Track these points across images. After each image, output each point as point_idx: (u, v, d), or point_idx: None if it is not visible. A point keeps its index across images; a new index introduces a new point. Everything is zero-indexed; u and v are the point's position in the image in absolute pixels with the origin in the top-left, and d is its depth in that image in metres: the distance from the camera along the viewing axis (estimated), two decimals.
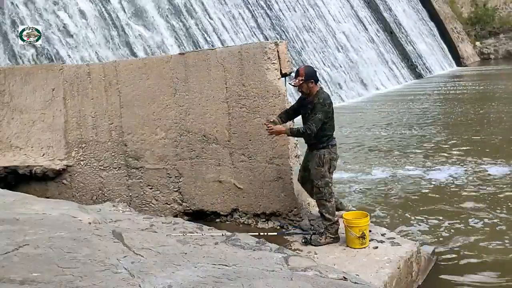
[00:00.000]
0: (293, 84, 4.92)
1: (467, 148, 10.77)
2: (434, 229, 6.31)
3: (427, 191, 7.92)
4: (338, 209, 5.25)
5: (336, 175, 9.01)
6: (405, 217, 6.81)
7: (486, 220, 6.49)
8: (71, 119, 6.56)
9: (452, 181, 8.29)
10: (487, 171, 8.73)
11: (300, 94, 5.09)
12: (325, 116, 4.82)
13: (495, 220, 6.48)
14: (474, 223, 6.43)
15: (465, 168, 8.99)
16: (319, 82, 5.02)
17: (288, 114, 5.16)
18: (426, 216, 6.78)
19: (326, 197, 4.92)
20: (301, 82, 4.84)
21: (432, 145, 11.36)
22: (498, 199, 7.31)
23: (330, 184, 4.98)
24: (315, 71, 5.00)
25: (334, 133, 5.04)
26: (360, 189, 8.20)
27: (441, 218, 6.68)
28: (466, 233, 6.12)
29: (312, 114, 4.82)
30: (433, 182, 8.32)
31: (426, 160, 9.90)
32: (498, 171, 8.68)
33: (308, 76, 4.85)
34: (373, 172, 9.18)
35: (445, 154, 10.25)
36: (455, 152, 10.38)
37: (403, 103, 19.93)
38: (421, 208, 7.10)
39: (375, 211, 7.01)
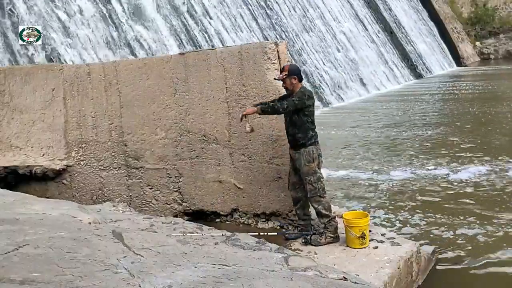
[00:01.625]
0: (277, 78, 5.12)
1: (483, 147, 10.65)
2: (438, 229, 6.32)
3: (447, 191, 7.86)
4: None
5: (355, 174, 9.05)
6: (416, 217, 6.82)
7: (494, 220, 6.47)
8: (71, 119, 6.55)
9: (473, 181, 8.22)
10: (507, 171, 8.63)
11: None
12: (300, 103, 4.88)
13: (505, 221, 6.43)
14: (482, 223, 6.41)
15: (487, 168, 8.88)
16: (303, 81, 5.11)
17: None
18: (432, 215, 6.80)
19: (320, 193, 4.94)
20: (284, 77, 4.97)
21: (448, 145, 11.22)
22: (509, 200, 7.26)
23: (322, 179, 5.02)
24: (300, 70, 5.16)
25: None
26: (382, 189, 8.17)
27: (448, 217, 6.68)
28: (470, 233, 6.12)
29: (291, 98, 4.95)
30: (455, 183, 8.25)
31: (445, 160, 9.81)
32: None
33: (292, 72, 4.98)
34: (392, 173, 9.11)
35: (463, 154, 10.14)
36: (472, 152, 10.26)
37: (406, 103, 19.85)
38: (433, 208, 7.11)
39: (391, 212, 7.02)
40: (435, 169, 9.18)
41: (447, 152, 10.50)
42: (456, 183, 8.20)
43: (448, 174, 8.76)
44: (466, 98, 20.00)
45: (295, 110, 4.91)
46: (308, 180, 4.94)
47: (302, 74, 5.17)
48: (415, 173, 9.01)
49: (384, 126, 14.68)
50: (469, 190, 7.83)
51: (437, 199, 7.50)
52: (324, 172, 5.24)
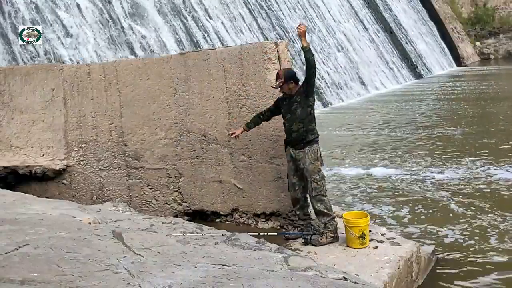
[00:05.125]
0: (274, 86, 5.07)
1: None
2: (438, 229, 6.31)
3: (450, 191, 7.80)
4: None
5: (355, 174, 8.97)
6: (417, 216, 6.82)
7: (497, 221, 6.44)
8: (71, 119, 6.55)
9: (480, 182, 8.14)
10: None
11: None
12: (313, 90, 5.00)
13: (508, 222, 6.40)
14: (483, 224, 6.39)
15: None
16: (299, 82, 5.07)
17: (260, 118, 5.28)
18: (433, 215, 6.80)
19: (324, 192, 4.96)
20: (281, 84, 4.96)
21: (478, 145, 11.02)
22: None
23: (325, 178, 5.03)
24: (295, 73, 5.13)
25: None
26: (383, 189, 8.13)
27: (450, 217, 6.68)
28: (470, 233, 6.12)
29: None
30: (460, 183, 8.19)
31: (480, 159, 9.67)
32: None
33: (288, 77, 4.96)
34: (394, 172, 9.03)
35: (496, 154, 9.96)
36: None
37: (409, 102, 19.72)
38: (433, 208, 7.09)
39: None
40: (442, 168, 9.15)
41: (447, 152, 10.50)
42: (460, 184, 8.17)
43: (454, 174, 8.72)
44: (474, 98, 19.64)
45: (308, 86, 4.95)
46: (314, 179, 4.93)
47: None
48: (419, 172, 8.98)
49: (388, 126, 14.61)
50: (474, 191, 7.79)
51: (439, 199, 7.49)
52: (324, 171, 5.24)
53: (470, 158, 9.74)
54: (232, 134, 5.36)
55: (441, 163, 9.57)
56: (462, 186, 8.01)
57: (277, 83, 4.97)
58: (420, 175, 8.83)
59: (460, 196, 7.55)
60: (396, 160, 10.07)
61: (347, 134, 13.67)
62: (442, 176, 8.63)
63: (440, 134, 12.66)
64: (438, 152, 10.59)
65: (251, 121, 5.33)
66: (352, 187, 8.41)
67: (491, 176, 8.45)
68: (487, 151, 10.25)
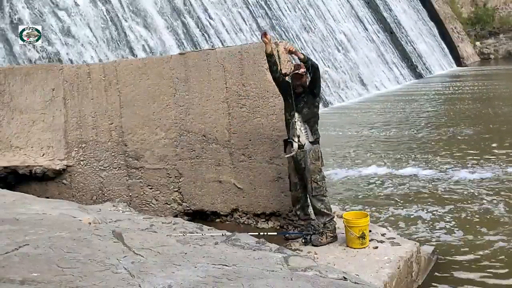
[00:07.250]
0: (300, 72, 4.92)
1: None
2: (439, 229, 6.32)
3: (451, 191, 7.79)
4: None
5: (355, 174, 8.96)
6: (417, 216, 6.83)
7: (497, 221, 6.44)
8: (71, 119, 6.55)
9: (481, 182, 8.10)
10: None
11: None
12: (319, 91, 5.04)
13: (508, 223, 6.40)
14: (484, 224, 6.38)
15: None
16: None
17: (276, 67, 5.00)
18: (434, 215, 6.81)
19: (324, 192, 4.96)
20: (304, 72, 4.90)
21: (496, 144, 10.91)
22: None
23: (325, 178, 5.04)
24: None
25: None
26: (383, 189, 8.08)
27: (450, 217, 6.68)
28: (470, 233, 6.12)
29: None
30: (462, 183, 8.15)
31: (448, 159, 9.67)
32: None
33: (308, 69, 4.93)
34: (394, 172, 8.96)
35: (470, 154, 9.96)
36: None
37: (410, 103, 19.67)
38: (434, 208, 7.09)
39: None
40: (441, 168, 9.13)
41: (448, 151, 10.48)
42: (462, 184, 8.14)
43: (454, 174, 8.69)
44: (485, 98, 19.48)
45: (315, 88, 4.95)
46: (314, 178, 4.93)
47: None
48: (421, 172, 8.94)
49: (393, 126, 14.55)
50: (475, 191, 7.78)
51: (439, 199, 7.49)
52: (325, 171, 5.25)
53: (488, 158, 9.63)
54: (266, 34, 4.93)
55: (459, 162, 9.46)
56: (468, 187, 7.96)
57: (302, 71, 4.89)
58: (437, 174, 8.74)
59: (465, 197, 7.52)
60: (400, 159, 10.01)
61: (350, 135, 13.63)
62: (460, 176, 8.55)
63: (454, 133, 12.52)
64: (455, 151, 10.46)
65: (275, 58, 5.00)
66: (353, 186, 8.39)
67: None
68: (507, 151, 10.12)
